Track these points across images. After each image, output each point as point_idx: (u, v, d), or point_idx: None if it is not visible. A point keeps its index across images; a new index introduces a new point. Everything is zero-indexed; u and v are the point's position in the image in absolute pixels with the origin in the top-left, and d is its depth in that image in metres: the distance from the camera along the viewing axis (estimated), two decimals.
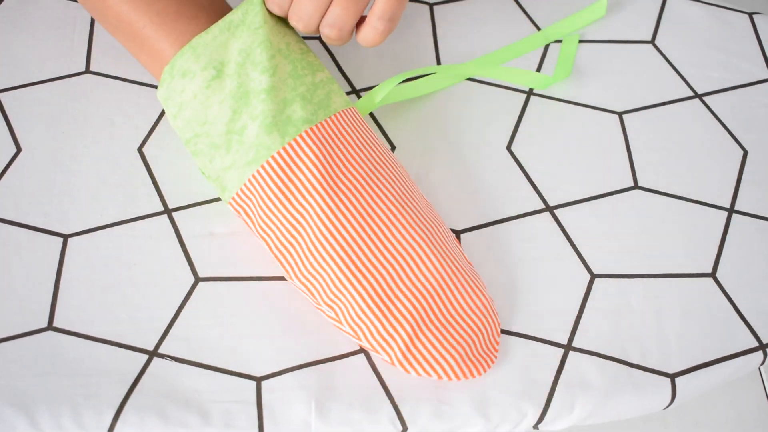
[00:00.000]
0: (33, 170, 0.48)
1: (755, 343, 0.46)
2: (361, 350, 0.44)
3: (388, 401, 0.43)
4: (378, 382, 0.43)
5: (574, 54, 0.55)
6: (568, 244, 0.48)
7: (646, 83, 0.55)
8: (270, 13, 0.45)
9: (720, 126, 0.54)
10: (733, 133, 0.54)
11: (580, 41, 0.57)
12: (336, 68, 0.54)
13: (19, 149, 0.49)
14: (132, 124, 0.50)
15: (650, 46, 0.57)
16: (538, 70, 0.55)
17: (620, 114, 0.54)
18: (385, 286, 0.42)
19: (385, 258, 0.42)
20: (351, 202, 0.43)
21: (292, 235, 0.43)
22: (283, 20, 0.46)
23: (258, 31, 0.44)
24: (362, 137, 0.45)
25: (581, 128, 0.53)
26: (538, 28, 0.57)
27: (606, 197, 0.50)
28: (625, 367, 0.45)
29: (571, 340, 0.45)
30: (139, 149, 0.49)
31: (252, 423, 0.42)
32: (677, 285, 0.48)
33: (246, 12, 0.44)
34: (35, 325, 0.44)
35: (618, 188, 0.51)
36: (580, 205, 0.50)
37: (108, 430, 0.41)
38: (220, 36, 0.44)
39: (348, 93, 0.53)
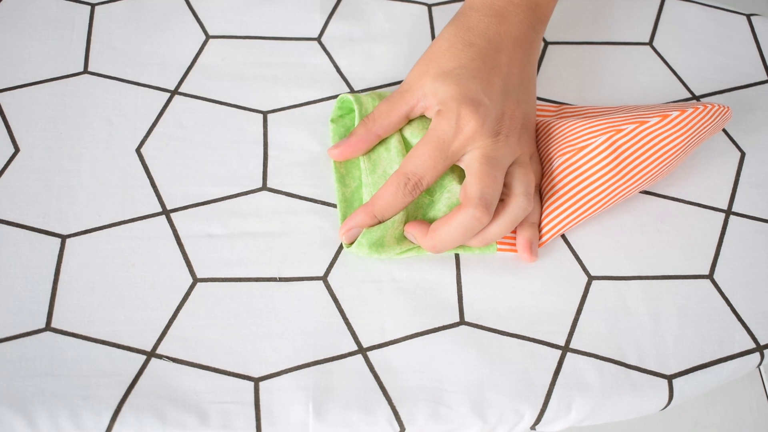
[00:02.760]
0: (31, 171, 0.48)
1: (752, 345, 0.46)
2: (359, 351, 0.44)
3: (386, 402, 0.43)
4: (376, 383, 0.43)
5: None
6: (566, 245, 0.48)
7: (644, 85, 0.55)
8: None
9: None
10: (731, 134, 0.54)
11: (580, 43, 0.57)
12: (335, 70, 0.54)
13: (17, 149, 0.49)
14: (130, 125, 0.50)
15: (648, 47, 0.57)
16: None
17: None
18: None
19: None
20: None
21: None
22: None
23: None
24: None
25: None
26: None
27: None
28: (623, 368, 0.45)
29: (568, 341, 0.45)
30: (138, 150, 0.49)
31: (250, 424, 0.42)
32: (675, 287, 0.48)
33: None
34: (33, 325, 0.44)
35: None
36: None
37: (106, 431, 0.41)
38: None
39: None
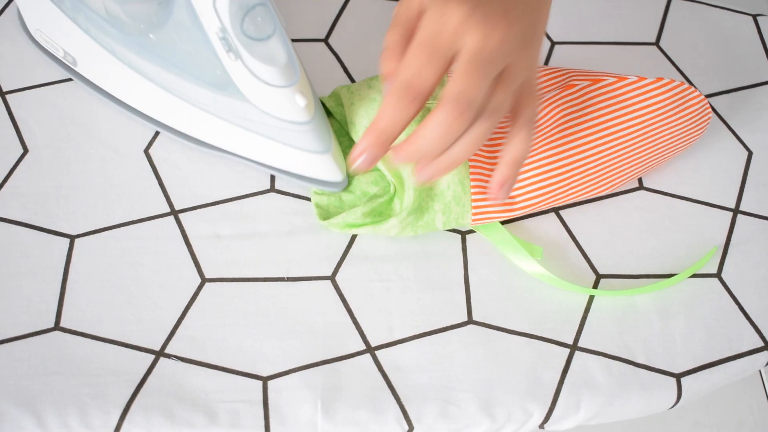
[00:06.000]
0: (40, 171, 0.48)
1: (760, 343, 0.46)
2: (367, 350, 0.44)
3: (395, 401, 0.43)
4: (384, 382, 0.43)
5: None
6: (574, 244, 0.49)
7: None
8: None
9: (725, 127, 0.54)
10: (738, 134, 0.54)
11: (586, 42, 0.57)
12: (343, 71, 0.54)
13: (25, 150, 0.49)
14: (139, 126, 0.50)
15: (655, 47, 0.57)
16: None
17: None
18: None
19: None
20: None
21: None
22: None
23: None
24: None
25: None
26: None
27: (611, 198, 0.50)
28: (631, 366, 0.45)
29: (576, 340, 0.45)
30: (146, 151, 0.50)
31: (258, 423, 0.42)
32: (682, 285, 0.48)
33: None
34: (42, 325, 0.44)
35: (623, 189, 0.51)
36: (585, 206, 0.50)
37: (114, 430, 0.41)
38: None
39: None
